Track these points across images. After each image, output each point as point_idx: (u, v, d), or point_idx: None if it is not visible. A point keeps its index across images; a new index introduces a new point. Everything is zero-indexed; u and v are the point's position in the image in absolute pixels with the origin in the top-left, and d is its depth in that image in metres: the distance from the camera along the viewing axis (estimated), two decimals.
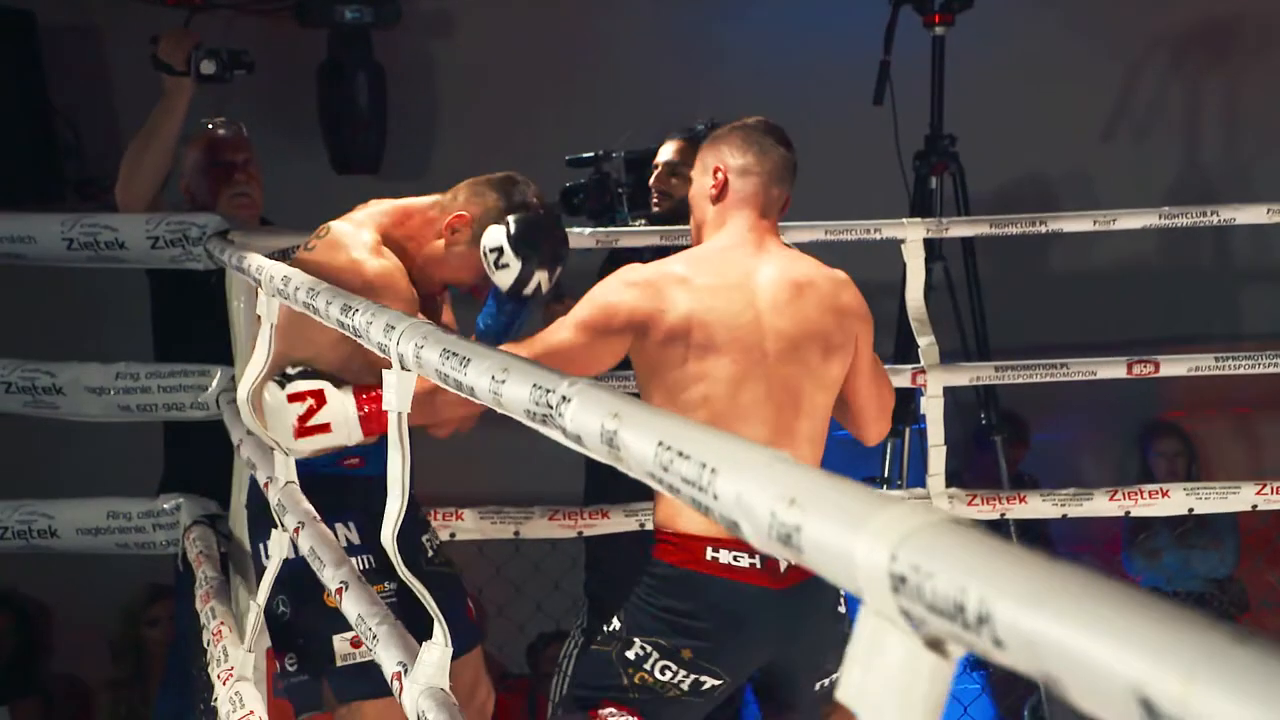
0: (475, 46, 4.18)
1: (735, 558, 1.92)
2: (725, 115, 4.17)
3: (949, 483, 2.80)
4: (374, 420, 1.88)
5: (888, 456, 3.45)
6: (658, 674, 1.91)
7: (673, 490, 0.68)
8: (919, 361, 2.83)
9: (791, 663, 1.97)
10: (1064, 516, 2.88)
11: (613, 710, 1.88)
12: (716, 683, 1.92)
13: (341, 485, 1.94)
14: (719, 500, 0.63)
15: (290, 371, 1.91)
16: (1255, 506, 2.78)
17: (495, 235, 2.01)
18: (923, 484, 2.82)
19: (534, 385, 0.82)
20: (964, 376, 2.92)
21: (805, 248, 3.05)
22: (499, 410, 0.89)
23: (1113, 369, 2.86)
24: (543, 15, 4.17)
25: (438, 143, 4.22)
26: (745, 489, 0.61)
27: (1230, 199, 3.62)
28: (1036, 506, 2.85)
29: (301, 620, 1.98)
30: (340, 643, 1.95)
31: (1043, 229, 2.93)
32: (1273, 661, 0.37)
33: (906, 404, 3.35)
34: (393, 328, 1.06)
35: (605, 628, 1.99)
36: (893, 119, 3.48)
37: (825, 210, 3.19)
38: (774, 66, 4.17)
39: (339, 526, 1.93)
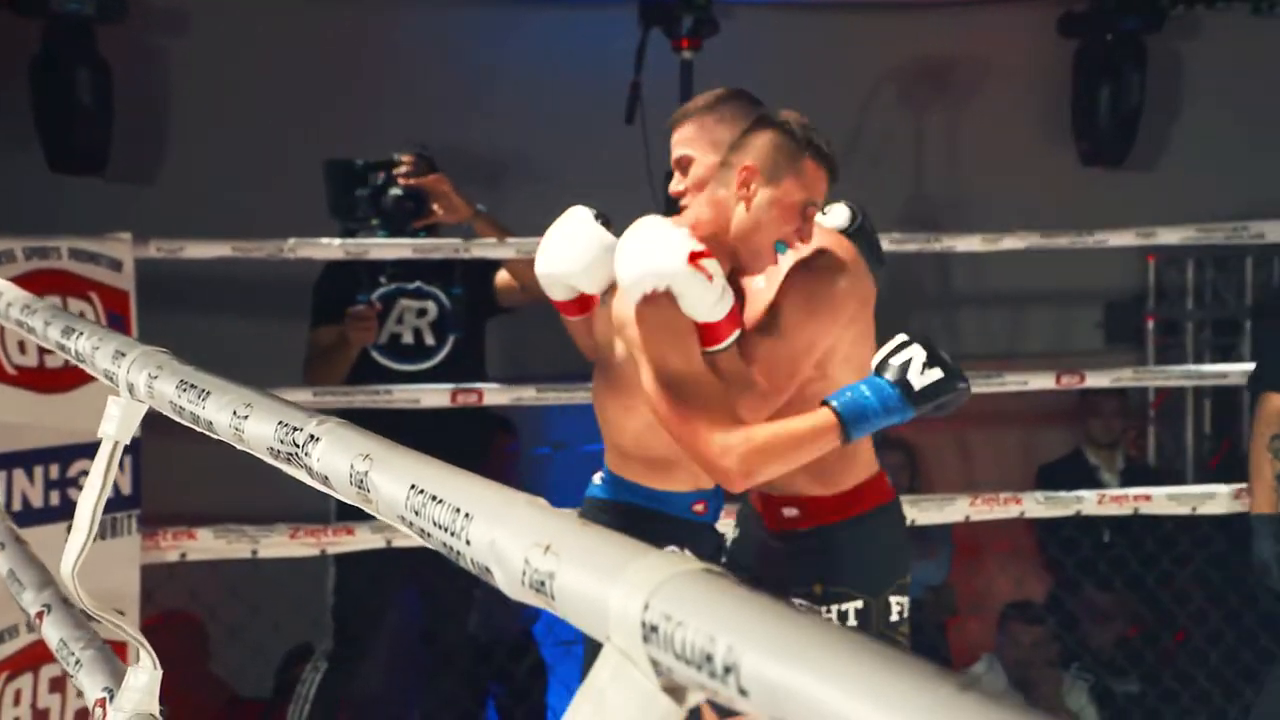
0: (211, 45, 3.99)
1: None
2: (477, 130, 4.16)
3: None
4: (734, 321, 1.82)
5: None
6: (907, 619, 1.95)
7: (424, 535, 0.67)
8: None
9: None
10: None
11: None
12: None
13: (686, 527, 1.96)
14: (471, 546, 0.63)
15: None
16: (968, 517, 2.98)
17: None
18: None
19: (279, 423, 0.79)
20: None
21: None
22: (240, 448, 0.85)
23: None
24: (287, 17, 4.04)
25: (171, 144, 4.01)
26: (499, 535, 0.61)
27: (951, 226, 3.88)
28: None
29: None
30: None
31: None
32: (991, 709, 0.40)
33: None
34: (122, 354, 1.00)
35: (834, 608, 1.93)
36: (643, 139, 3.56)
37: None
38: (529, 84, 4.19)
39: (682, 553, 1.86)
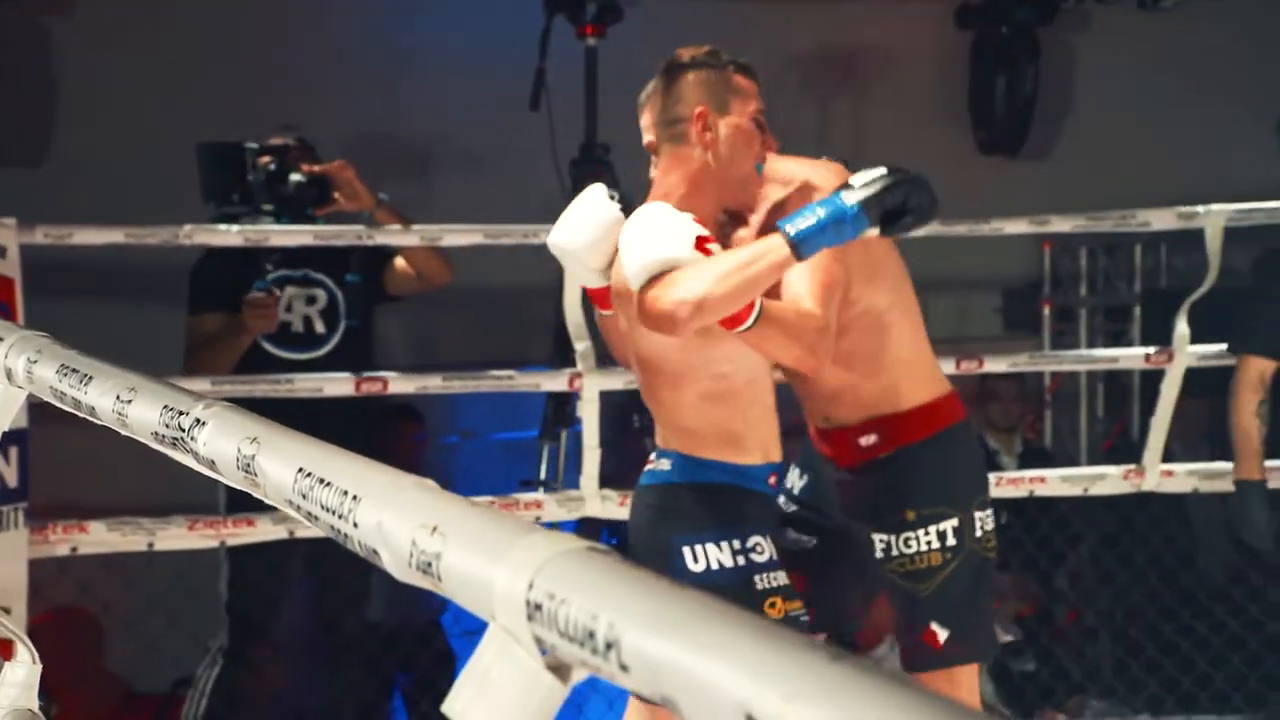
0: (98, 25, 3.88)
1: None
2: (385, 115, 4.10)
3: (603, 484, 2.88)
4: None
5: (544, 459, 3.51)
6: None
7: (311, 518, 0.67)
8: (576, 366, 2.89)
9: None
10: None
11: None
12: None
13: (764, 502, 1.93)
14: (359, 528, 0.62)
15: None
16: None
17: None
18: (578, 485, 2.89)
19: (165, 407, 0.77)
20: (618, 380, 3.01)
21: (464, 251, 3.08)
22: (124, 434, 0.83)
23: None
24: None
25: (58, 127, 3.89)
26: (386, 517, 0.61)
27: None
28: None
29: None
30: None
31: None
32: (860, 678, 0.41)
33: (563, 407, 3.42)
34: (0, 338, 0.97)
35: (934, 543, 1.92)
36: (549, 126, 3.54)
37: (485, 214, 3.20)
38: (436, 69, 4.14)
39: (767, 539, 1.91)
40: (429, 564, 0.58)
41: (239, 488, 0.75)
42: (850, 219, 1.72)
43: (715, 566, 1.85)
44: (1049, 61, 4.51)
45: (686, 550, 1.86)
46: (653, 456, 1.96)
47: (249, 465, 0.71)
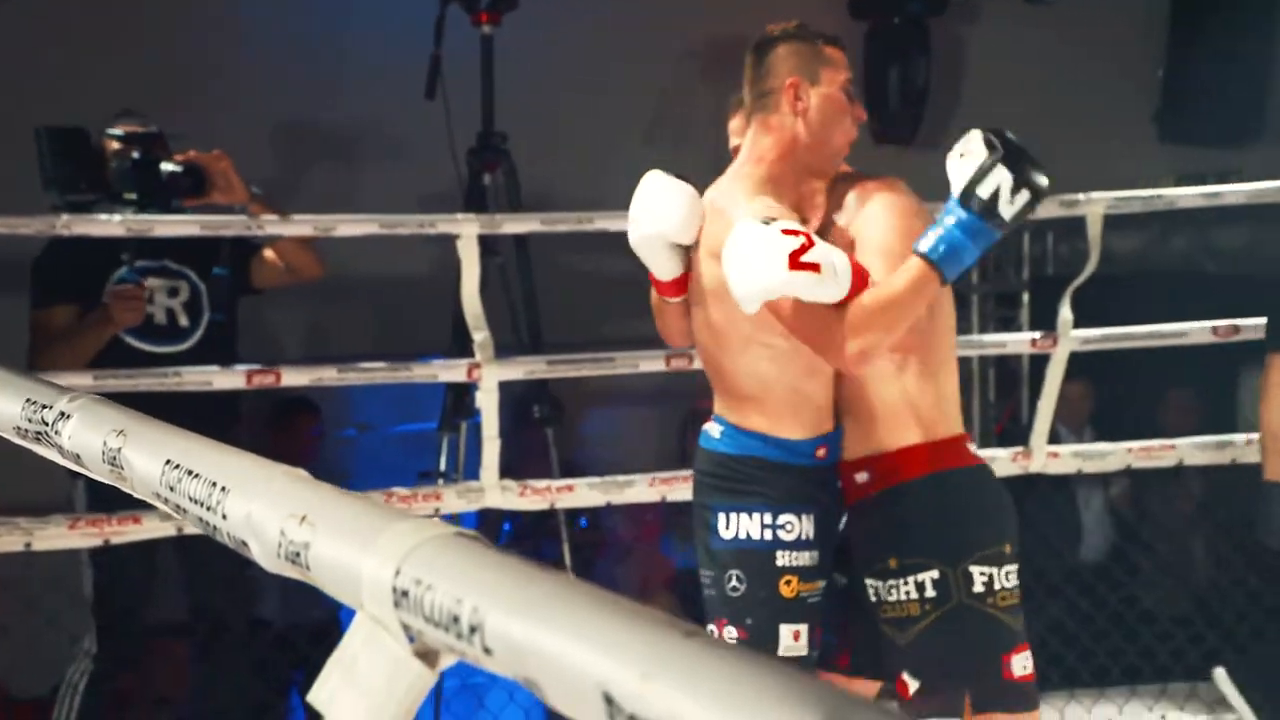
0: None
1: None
2: (235, 103, 4.02)
3: (503, 474, 2.87)
4: (858, 277, 1.77)
5: (444, 450, 3.48)
6: (1013, 584, 1.87)
7: (180, 511, 0.65)
8: (474, 356, 2.88)
9: None
10: (608, 504, 3.03)
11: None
12: None
13: (812, 475, 1.93)
14: (228, 520, 0.61)
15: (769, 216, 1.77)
16: None
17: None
18: (478, 476, 2.87)
19: (27, 400, 0.75)
20: (518, 370, 3.00)
21: (359, 241, 3.04)
22: None
23: (653, 362, 3.05)
24: None
25: None
26: (255, 507, 0.60)
27: None
28: (584, 495, 2.98)
29: (752, 601, 1.91)
30: (786, 633, 1.89)
31: (589, 226, 3.07)
32: (715, 654, 0.42)
33: (462, 398, 3.40)
34: None
35: (919, 594, 1.85)
36: (446, 115, 3.51)
37: (380, 204, 3.16)
38: (331, 58, 4.07)
39: (804, 517, 1.92)
40: (298, 553, 0.58)
41: (106, 481, 0.73)
42: (986, 231, 1.76)
43: (743, 536, 1.92)
44: (940, 52, 4.60)
45: (721, 516, 1.93)
46: (711, 420, 2.01)
47: (115, 458, 0.69)
